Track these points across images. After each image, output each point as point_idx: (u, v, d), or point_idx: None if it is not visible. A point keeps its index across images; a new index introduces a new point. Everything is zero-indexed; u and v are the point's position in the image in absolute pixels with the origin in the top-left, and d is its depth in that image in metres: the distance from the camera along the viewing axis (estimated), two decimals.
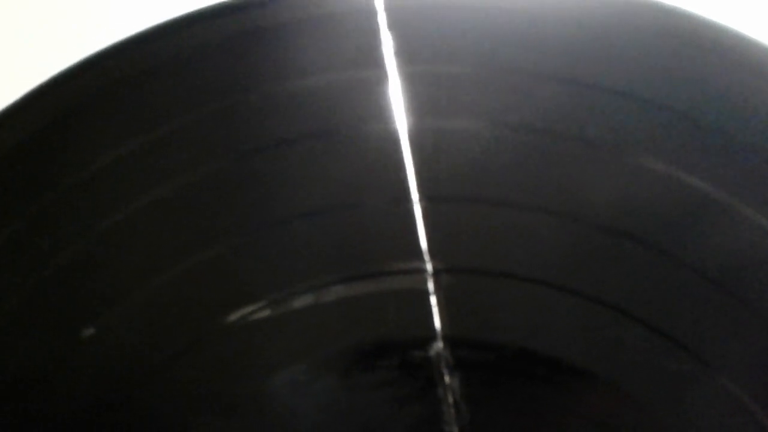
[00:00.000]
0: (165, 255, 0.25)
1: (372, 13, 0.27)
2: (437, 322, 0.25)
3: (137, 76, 0.27)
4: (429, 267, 0.25)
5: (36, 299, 0.24)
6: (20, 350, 0.24)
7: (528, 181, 0.26)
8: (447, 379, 0.24)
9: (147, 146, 0.26)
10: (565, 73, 0.27)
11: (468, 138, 0.26)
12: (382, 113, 0.26)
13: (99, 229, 0.25)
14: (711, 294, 0.24)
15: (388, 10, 0.27)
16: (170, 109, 0.26)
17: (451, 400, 0.24)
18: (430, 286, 0.25)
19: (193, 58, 0.27)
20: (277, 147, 0.26)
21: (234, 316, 0.24)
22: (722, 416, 0.24)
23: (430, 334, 0.25)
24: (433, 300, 0.25)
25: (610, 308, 0.25)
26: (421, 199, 0.25)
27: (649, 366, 0.25)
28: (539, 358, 0.24)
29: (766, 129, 0.25)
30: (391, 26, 0.27)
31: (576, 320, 0.25)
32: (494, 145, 0.26)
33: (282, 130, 0.26)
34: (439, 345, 0.24)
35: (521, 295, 0.25)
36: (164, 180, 0.25)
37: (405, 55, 0.26)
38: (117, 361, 0.24)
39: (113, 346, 0.24)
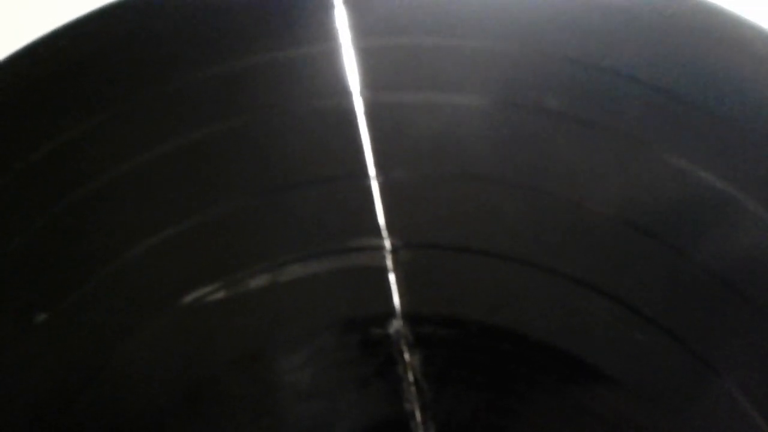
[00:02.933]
0: (119, 238, 0.24)
1: None
2: (396, 300, 0.24)
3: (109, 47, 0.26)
4: (387, 244, 0.24)
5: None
6: None
7: (488, 154, 0.25)
8: (407, 356, 0.24)
9: (99, 129, 0.25)
10: (528, 42, 0.26)
11: (426, 112, 0.25)
12: (337, 88, 0.25)
13: (46, 217, 0.24)
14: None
15: None
16: (131, 85, 0.26)
17: (411, 377, 0.24)
18: (389, 262, 0.24)
19: (152, 32, 0.26)
20: (230, 125, 0.25)
21: (189, 298, 0.24)
22: (701, 395, 0.24)
23: (390, 311, 0.24)
24: (392, 277, 0.24)
25: (573, 281, 0.24)
26: (378, 175, 0.25)
27: (614, 337, 0.24)
28: (503, 334, 0.24)
29: None
30: (345, 0, 0.26)
31: (539, 294, 0.24)
32: (453, 118, 0.25)
33: (236, 107, 0.25)
34: (398, 322, 0.24)
35: (482, 270, 0.25)
36: (120, 161, 0.25)
37: (359, 28, 0.26)
38: (71, 346, 0.24)
39: (68, 331, 0.24)
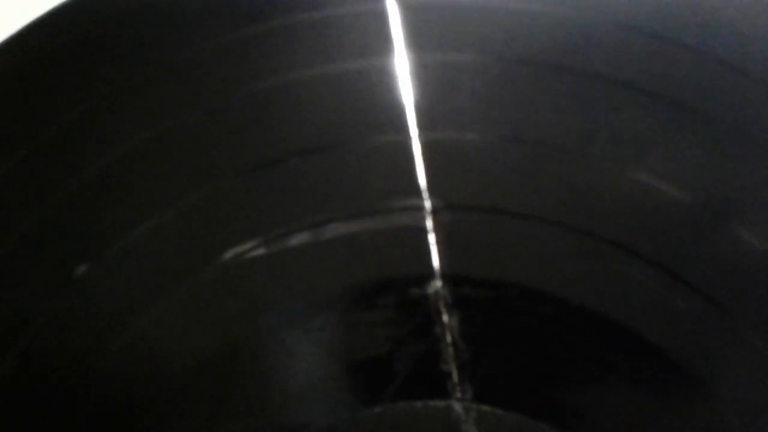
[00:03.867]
0: (160, 195, 0.24)
1: None
2: (435, 260, 0.24)
3: (139, 11, 0.26)
4: (428, 204, 0.24)
5: (33, 236, 0.24)
6: (15, 288, 0.24)
7: (531, 117, 0.25)
8: (445, 317, 0.24)
9: (141, 85, 0.25)
10: (580, 6, 0.26)
11: (470, 72, 0.25)
12: (382, 48, 0.25)
13: (94, 169, 0.24)
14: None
15: None
16: (163, 46, 0.26)
17: (449, 338, 0.24)
18: (429, 223, 0.24)
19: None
20: (272, 84, 0.25)
21: (229, 254, 0.24)
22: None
23: (429, 272, 0.24)
24: (432, 238, 0.24)
25: (612, 245, 0.24)
26: (420, 136, 0.25)
27: (656, 305, 0.24)
28: (543, 297, 0.24)
29: None
30: None
31: (578, 258, 0.24)
32: (497, 79, 0.25)
33: (280, 68, 0.25)
34: (437, 283, 0.24)
35: (522, 233, 0.24)
36: (160, 120, 0.25)
37: None
38: (110, 301, 0.24)
39: (108, 285, 0.24)
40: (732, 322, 0.23)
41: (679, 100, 0.25)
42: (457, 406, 0.23)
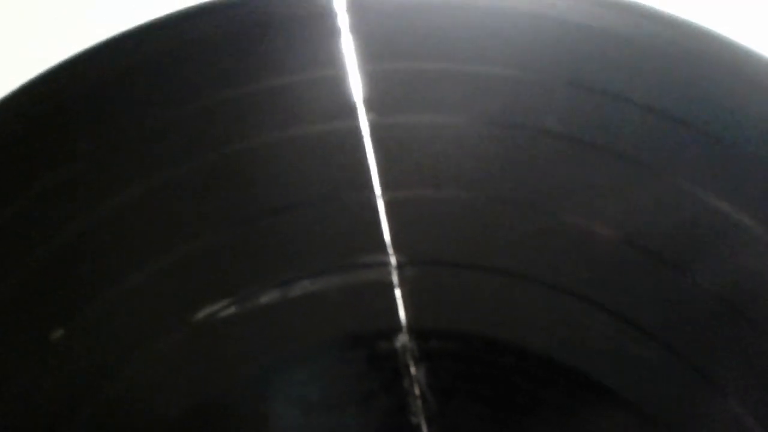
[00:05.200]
0: (131, 258, 0.25)
1: (333, 15, 0.27)
2: (402, 314, 0.25)
3: (118, 76, 0.27)
4: (393, 260, 0.25)
5: (10, 298, 0.24)
6: None
7: (489, 175, 0.26)
8: (413, 370, 0.24)
9: (110, 150, 0.26)
10: (528, 67, 0.27)
11: (429, 133, 0.26)
12: (345, 111, 0.26)
13: (67, 234, 0.25)
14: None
15: (350, 11, 0.27)
16: (142, 109, 0.27)
17: (417, 391, 0.24)
18: (395, 278, 0.25)
19: (166, 60, 0.27)
20: (237, 149, 0.26)
21: (201, 314, 0.25)
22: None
23: (396, 325, 0.25)
24: (398, 292, 0.25)
25: (575, 297, 0.25)
26: (384, 194, 0.26)
27: (618, 354, 0.25)
28: (506, 348, 0.25)
29: None
30: (352, 27, 0.27)
31: (541, 309, 0.25)
32: (455, 139, 0.26)
33: (243, 131, 0.26)
34: (404, 337, 0.25)
35: (485, 285, 0.25)
36: (129, 184, 0.26)
37: (365, 52, 0.27)
38: (85, 361, 0.24)
39: (83, 347, 0.25)
40: (693, 371, 0.24)
41: (631, 156, 0.26)
42: None
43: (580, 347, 0.25)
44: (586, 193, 0.26)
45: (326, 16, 0.28)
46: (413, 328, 0.25)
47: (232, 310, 0.25)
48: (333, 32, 0.27)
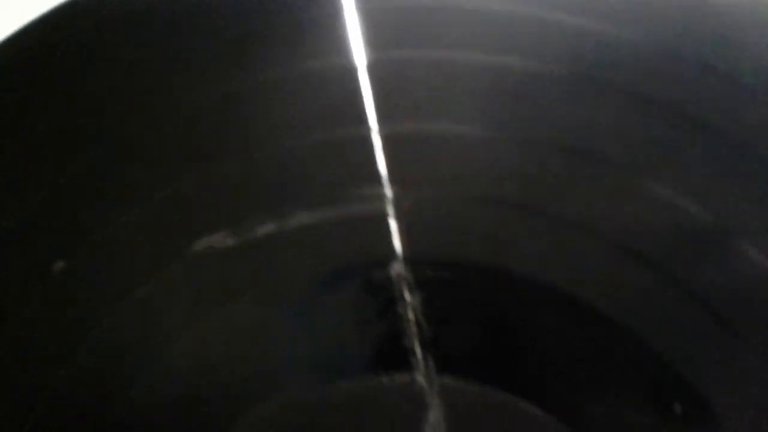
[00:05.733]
0: (134, 190, 0.26)
1: None
2: (397, 244, 0.25)
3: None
4: (388, 192, 0.26)
5: (13, 230, 0.25)
6: None
7: (483, 110, 0.26)
8: (407, 297, 0.25)
9: (116, 88, 0.27)
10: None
11: (425, 68, 0.27)
12: (341, 46, 0.27)
13: (74, 167, 0.26)
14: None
15: None
16: (143, 48, 0.27)
17: (411, 317, 0.25)
18: (390, 210, 0.25)
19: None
20: (234, 88, 0.27)
21: (199, 246, 0.25)
22: None
23: (391, 255, 0.25)
24: (393, 223, 0.25)
25: (569, 224, 0.25)
26: (380, 129, 0.26)
27: (610, 279, 0.25)
28: (499, 275, 0.25)
29: None
30: None
31: (534, 238, 0.25)
32: (451, 74, 0.27)
33: (243, 70, 0.27)
34: (399, 265, 0.25)
35: (480, 215, 0.26)
36: (132, 121, 0.26)
37: None
38: (85, 294, 0.25)
39: (83, 280, 0.25)
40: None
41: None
42: (421, 380, 0.24)
43: (572, 273, 0.25)
44: (584, 129, 0.26)
45: None
46: (408, 257, 0.25)
47: (229, 241, 0.25)
48: None
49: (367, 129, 0.26)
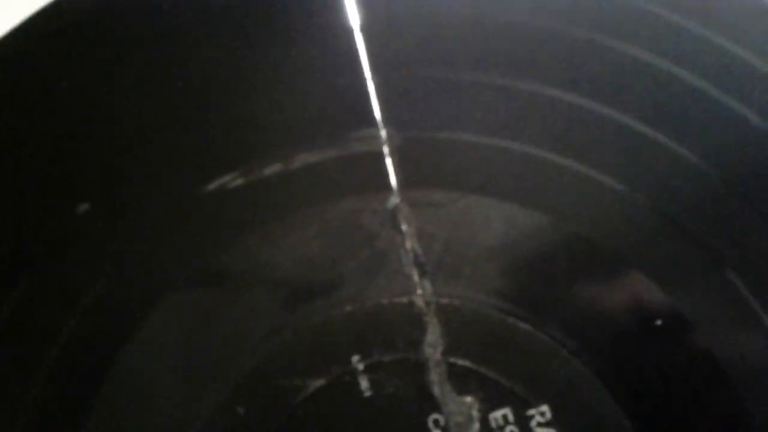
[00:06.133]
0: (150, 132, 0.28)
1: None
2: (393, 180, 0.27)
3: None
4: (383, 133, 0.28)
5: (39, 170, 0.27)
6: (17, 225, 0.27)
7: (477, 52, 0.29)
8: (403, 226, 0.27)
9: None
10: None
11: (419, 12, 0.29)
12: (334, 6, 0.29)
13: (88, 109, 0.28)
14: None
15: None
16: None
17: (408, 245, 0.27)
18: (385, 149, 0.28)
19: None
20: (235, 36, 0.29)
21: (212, 186, 0.27)
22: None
23: (388, 189, 0.27)
24: (389, 161, 0.28)
25: (564, 156, 0.27)
26: (373, 76, 0.28)
27: (617, 218, 0.27)
28: (491, 204, 0.27)
29: None
30: None
31: (523, 173, 0.28)
32: (441, 25, 0.29)
33: (255, 26, 0.29)
34: (395, 198, 0.27)
35: (474, 151, 0.28)
36: (148, 63, 0.29)
37: None
38: (108, 232, 0.27)
39: (105, 221, 0.27)
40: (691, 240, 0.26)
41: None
42: (419, 301, 0.26)
43: (570, 209, 0.27)
44: (568, 66, 0.28)
45: None
46: (403, 190, 0.27)
47: (239, 181, 0.28)
48: None
49: (363, 77, 0.28)
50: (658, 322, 0.26)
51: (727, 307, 0.26)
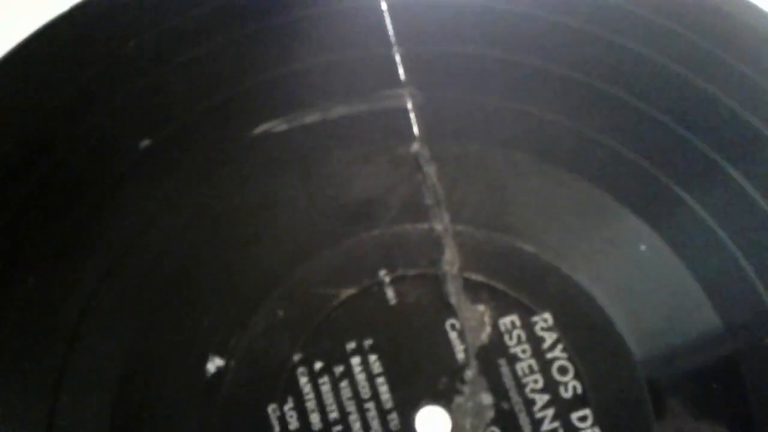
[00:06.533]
0: (210, 83, 0.32)
1: None
2: (416, 129, 0.32)
3: None
4: (407, 92, 0.32)
5: (112, 106, 0.31)
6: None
7: (486, 30, 0.34)
8: (426, 168, 0.31)
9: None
10: None
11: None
12: None
13: (154, 62, 0.32)
14: None
15: None
16: None
17: (429, 183, 0.31)
18: (409, 105, 0.32)
19: None
20: (278, 20, 0.34)
21: (259, 130, 0.32)
22: None
23: (411, 137, 0.32)
24: (412, 115, 0.32)
25: (557, 113, 0.32)
26: (398, 47, 0.33)
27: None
28: (495, 151, 0.32)
29: None
30: None
31: (523, 124, 0.32)
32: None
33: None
34: (417, 144, 0.32)
35: (480, 110, 0.33)
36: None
37: None
38: (168, 169, 0.31)
39: (164, 157, 0.32)
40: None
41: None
42: (438, 227, 0.31)
43: (572, 158, 0.32)
44: (564, 48, 0.34)
45: None
46: (424, 138, 0.32)
47: (283, 126, 0.32)
48: None
49: (390, 47, 0.33)
50: (642, 248, 0.30)
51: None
